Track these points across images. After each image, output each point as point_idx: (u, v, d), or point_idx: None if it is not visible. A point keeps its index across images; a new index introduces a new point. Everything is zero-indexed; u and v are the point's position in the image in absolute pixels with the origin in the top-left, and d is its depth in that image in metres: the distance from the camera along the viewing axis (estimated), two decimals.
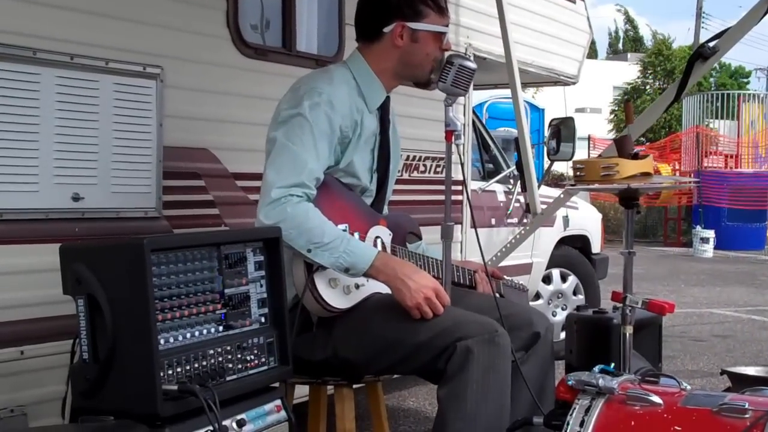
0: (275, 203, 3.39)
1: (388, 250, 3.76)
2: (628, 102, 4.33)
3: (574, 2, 8.50)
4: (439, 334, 3.40)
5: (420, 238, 4.03)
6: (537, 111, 20.08)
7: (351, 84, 3.74)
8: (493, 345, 3.37)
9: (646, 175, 3.60)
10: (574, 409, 3.03)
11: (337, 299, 3.52)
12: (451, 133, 3.50)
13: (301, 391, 4.03)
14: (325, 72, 3.81)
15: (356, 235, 3.63)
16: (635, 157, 3.60)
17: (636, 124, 5.42)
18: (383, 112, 3.85)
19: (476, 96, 8.27)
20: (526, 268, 8.11)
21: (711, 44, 5.30)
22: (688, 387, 3.12)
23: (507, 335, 3.43)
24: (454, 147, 3.54)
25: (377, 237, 3.75)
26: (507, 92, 7.90)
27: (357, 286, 3.57)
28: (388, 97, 3.85)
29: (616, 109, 40.19)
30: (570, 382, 3.12)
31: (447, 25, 3.82)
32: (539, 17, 7.77)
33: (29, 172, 3.70)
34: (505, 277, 4.14)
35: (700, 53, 5.29)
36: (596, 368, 3.17)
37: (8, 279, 3.66)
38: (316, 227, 3.40)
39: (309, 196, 3.46)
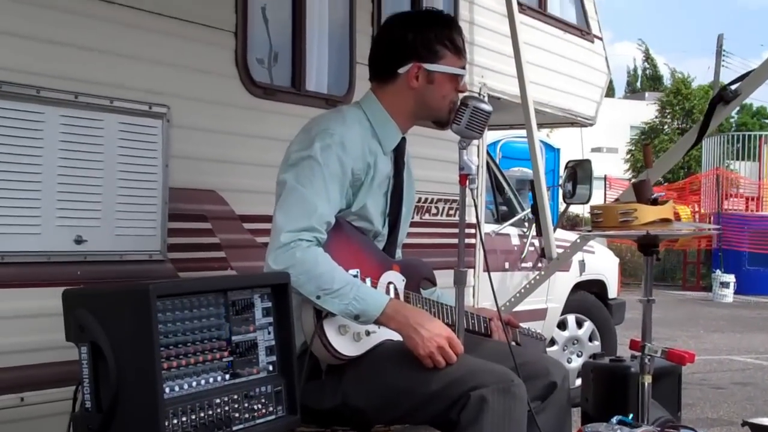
0: (284, 248, 3.33)
1: (401, 296, 3.69)
2: (647, 146, 4.28)
3: (592, 41, 8.48)
4: (452, 383, 3.32)
5: (435, 285, 3.94)
6: (552, 151, 20.06)
7: (364, 125, 3.68)
8: (508, 395, 3.29)
9: (666, 221, 3.53)
10: None
11: (347, 346, 3.44)
12: (465, 177, 3.41)
13: None
14: (338, 113, 3.75)
15: (368, 280, 3.56)
16: (654, 202, 3.54)
17: (655, 167, 5.36)
18: (398, 154, 3.78)
19: (490, 135, 8.24)
20: (540, 314, 8.06)
21: (733, 87, 5.23)
22: None
23: (523, 385, 3.35)
24: (467, 190, 3.46)
25: (390, 283, 3.67)
26: (521, 131, 7.87)
27: (368, 333, 3.50)
28: (403, 139, 3.79)
29: (633, 149, 40.17)
30: None
31: (464, 67, 3.77)
32: (556, 56, 7.76)
33: (31, 214, 3.68)
34: (521, 325, 4.04)
35: (722, 96, 5.22)
36: (614, 419, 3.12)
37: (9, 323, 3.62)
38: (325, 273, 3.33)
39: (319, 240, 3.40)
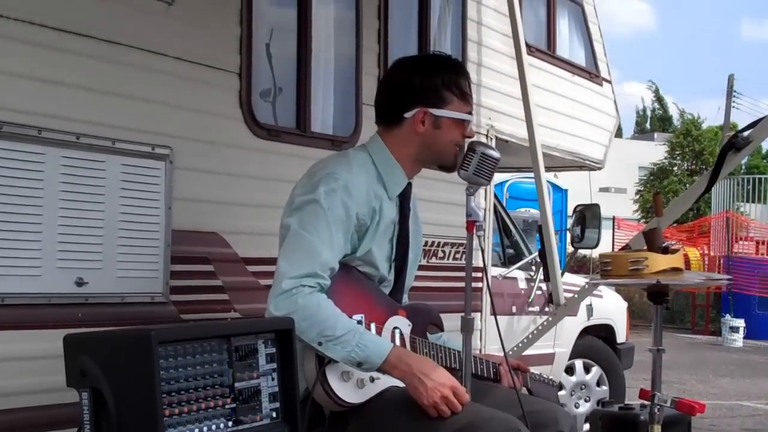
0: (286, 294, 3.30)
1: (407, 340, 3.64)
2: (658, 194, 4.24)
3: (601, 85, 8.46)
4: None
5: (441, 329, 3.88)
6: (560, 191, 19.98)
7: (370, 169, 3.64)
8: None
9: (677, 270, 3.49)
10: None
11: (349, 393, 3.39)
12: (472, 224, 3.38)
13: None
14: (343, 156, 3.72)
15: (373, 326, 3.52)
16: (665, 250, 3.50)
17: (665, 215, 5.32)
18: (403, 199, 3.74)
19: (497, 176, 8.25)
20: (548, 359, 8.01)
21: (745, 134, 5.20)
22: None
23: None
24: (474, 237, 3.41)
25: (395, 327, 3.62)
26: (529, 171, 7.84)
27: (372, 380, 3.44)
28: (409, 184, 3.76)
29: (642, 189, 40.00)
30: None
31: (470, 113, 3.74)
32: (564, 99, 7.73)
33: (32, 256, 3.66)
34: (531, 370, 3.98)
35: (733, 144, 5.19)
36: None
37: (9, 365, 3.59)
38: (328, 319, 3.29)
39: (322, 286, 3.36)
